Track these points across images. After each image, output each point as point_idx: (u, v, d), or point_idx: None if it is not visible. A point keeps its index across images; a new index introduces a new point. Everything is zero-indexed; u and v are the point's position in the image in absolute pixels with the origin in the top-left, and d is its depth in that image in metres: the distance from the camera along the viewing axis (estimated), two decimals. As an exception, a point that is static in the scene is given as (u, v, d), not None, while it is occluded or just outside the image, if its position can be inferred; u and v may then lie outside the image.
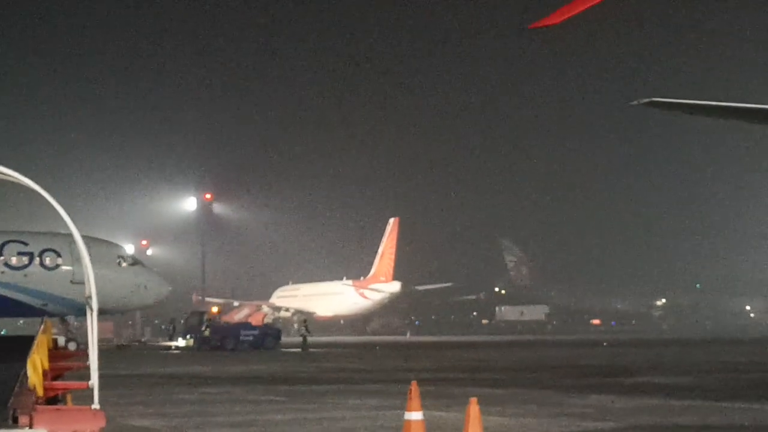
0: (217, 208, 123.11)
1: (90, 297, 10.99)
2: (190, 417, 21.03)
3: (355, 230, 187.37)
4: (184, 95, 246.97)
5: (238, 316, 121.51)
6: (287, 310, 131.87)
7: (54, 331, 13.20)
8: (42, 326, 12.40)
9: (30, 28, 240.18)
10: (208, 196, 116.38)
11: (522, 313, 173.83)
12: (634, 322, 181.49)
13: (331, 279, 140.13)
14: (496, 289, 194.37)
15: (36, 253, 64.24)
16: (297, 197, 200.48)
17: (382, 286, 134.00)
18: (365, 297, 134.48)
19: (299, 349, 70.02)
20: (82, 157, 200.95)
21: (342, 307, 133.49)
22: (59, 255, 64.33)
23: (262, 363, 49.47)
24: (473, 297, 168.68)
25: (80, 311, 67.32)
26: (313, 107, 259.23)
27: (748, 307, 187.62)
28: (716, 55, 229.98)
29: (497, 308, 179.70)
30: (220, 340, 72.47)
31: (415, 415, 13.21)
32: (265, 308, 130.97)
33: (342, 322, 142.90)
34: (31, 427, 9.93)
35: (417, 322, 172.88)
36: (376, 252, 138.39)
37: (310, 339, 76.21)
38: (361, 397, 26.21)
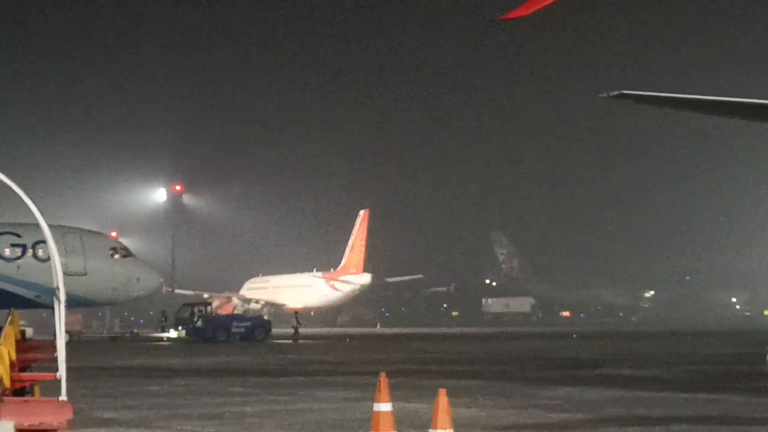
0: (187, 199, 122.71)
1: (58, 288, 10.95)
2: (158, 409, 20.96)
3: (325, 222, 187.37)
4: (155, 87, 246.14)
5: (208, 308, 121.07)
6: (257, 301, 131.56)
7: (21, 322, 13.15)
8: (9, 318, 12.35)
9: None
10: (178, 187, 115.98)
11: (507, 305, 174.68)
12: (621, 314, 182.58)
13: (302, 271, 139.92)
14: (487, 281, 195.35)
15: (29, 245, 64.22)
16: (267, 189, 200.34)
17: (352, 278, 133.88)
18: (335, 289, 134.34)
19: (290, 341, 70.55)
20: (50, 148, 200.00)
21: (312, 299, 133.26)
22: None
23: (237, 355, 49.39)
24: (443, 289, 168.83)
25: (74, 303, 67.71)
26: (284, 100, 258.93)
27: (734, 299, 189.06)
28: (688, 47, 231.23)
29: (483, 300, 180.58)
30: (212, 331, 73.00)
31: (384, 407, 13.21)
32: (235, 300, 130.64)
33: (312, 314, 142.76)
34: (-3, 418, 9.87)
35: (387, 314, 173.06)
36: (346, 244, 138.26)
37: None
38: (331, 388, 26.21)
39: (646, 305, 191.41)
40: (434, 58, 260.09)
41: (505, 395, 23.85)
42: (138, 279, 68.08)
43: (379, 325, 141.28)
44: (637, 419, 18.54)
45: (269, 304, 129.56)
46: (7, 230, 64.28)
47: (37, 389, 12.12)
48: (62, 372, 10.51)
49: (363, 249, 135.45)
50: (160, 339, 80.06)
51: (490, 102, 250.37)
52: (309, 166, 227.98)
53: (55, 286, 11.02)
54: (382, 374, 13.59)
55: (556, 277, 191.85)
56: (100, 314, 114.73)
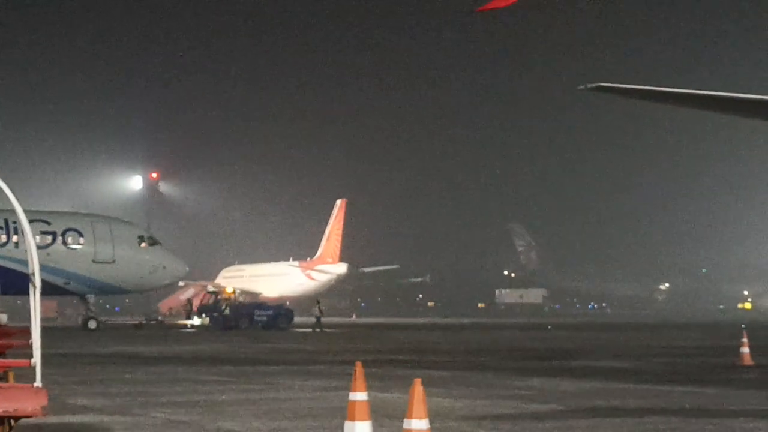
0: (164, 187, 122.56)
1: (33, 274, 10.90)
2: (133, 396, 20.91)
3: (302, 211, 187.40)
4: (132, 74, 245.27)
5: (183, 296, 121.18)
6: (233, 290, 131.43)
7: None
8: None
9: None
10: (154, 175, 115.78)
11: (521, 296, 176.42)
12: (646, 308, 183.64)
13: (278, 260, 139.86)
14: (505, 273, 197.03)
15: (59, 233, 65.56)
16: (244, 178, 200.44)
17: (328, 268, 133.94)
18: (311, 278, 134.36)
19: (317, 329, 71.21)
20: (26, 135, 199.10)
21: (288, 288, 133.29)
22: (81, 235, 65.92)
23: (216, 343, 49.38)
24: (419, 279, 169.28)
25: (101, 290, 68.70)
26: (261, 89, 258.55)
27: (746, 292, 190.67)
28: (668, 39, 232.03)
29: (497, 291, 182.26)
30: (235, 319, 74.12)
31: (359, 396, 13.21)
32: (211, 288, 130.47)
33: (288, 303, 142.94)
34: (-29, 405, 9.82)
35: (363, 304, 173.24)
36: (322, 233, 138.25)
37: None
38: (306, 377, 26.21)
39: (661, 297, 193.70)
40: (413, 48, 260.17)
41: (480, 385, 23.89)
42: (164, 267, 69.82)
43: (354, 314, 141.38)
44: (611, 410, 18.62)
45: (245, 293, 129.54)
46: (37, 218, 65.43)
47: (11, 376, 12.06)
48: (37, 359, 10.47)
49: (339, 239, 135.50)
50: (184, 326, 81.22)
51: (470, 93, 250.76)
52: (286, 154, 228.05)
53: (30, 272, 10.96)
54: (358, 363, 13.60)
55: (573, 269, 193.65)
56: (75, 302, 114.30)
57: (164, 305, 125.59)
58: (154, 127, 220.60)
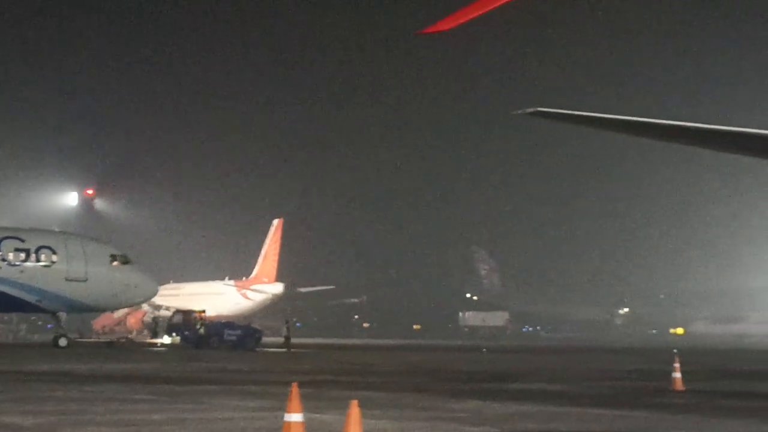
0: (99, 204, 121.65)
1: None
2: (65, 415, 20.71)
3: (238, 230, 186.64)
4: (68, 87, 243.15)
5: (117, 314, 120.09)
6: (168, 308, 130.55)
7: None
8: None
9: None
10: (89, 191, 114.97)
11: (483, 319, 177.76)
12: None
13: (214, 279, 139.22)
14: (467, 296, 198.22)
15: (32, 250, 65.55)
16: (180, 196, 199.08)
17: (264, 287, 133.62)
18: (247, 297, 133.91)
19: (286, 349, 71.24)
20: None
21: (224, 308, 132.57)
22: (54, 252, 65.94)
23: (148, 362, 48.96)
24: (355, 300, 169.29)
25: (73, 308, 68.52)
26: (198, 105, 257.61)
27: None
28: (608, 65, 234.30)
29: (460, 314, 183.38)
30: (206, 338, 74.62)
31: (295, 417, 13.21)
32: (146, 306, 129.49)
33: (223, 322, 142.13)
34: None
35: (298, 324, 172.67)
36: (259, 253, 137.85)
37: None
38: (242, 397, 26.09)
39: (619, 321, 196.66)
40: (355, 67, 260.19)
41: (415, 407, 23.91)
42: (136, 286, 70.03)
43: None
44: (546, 433, 18.73)
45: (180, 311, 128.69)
46: (11, 235, 65.54)
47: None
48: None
49: (276, 258, 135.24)
50: (154, 345, 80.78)
51: (421, 114, 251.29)
52: (224, 174, 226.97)
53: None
54: (294, 384, 13.58)
55: (533, 293, 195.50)
56: (6, 318, 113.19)
57: (98, 323, 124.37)
58: (89, 144, 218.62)
